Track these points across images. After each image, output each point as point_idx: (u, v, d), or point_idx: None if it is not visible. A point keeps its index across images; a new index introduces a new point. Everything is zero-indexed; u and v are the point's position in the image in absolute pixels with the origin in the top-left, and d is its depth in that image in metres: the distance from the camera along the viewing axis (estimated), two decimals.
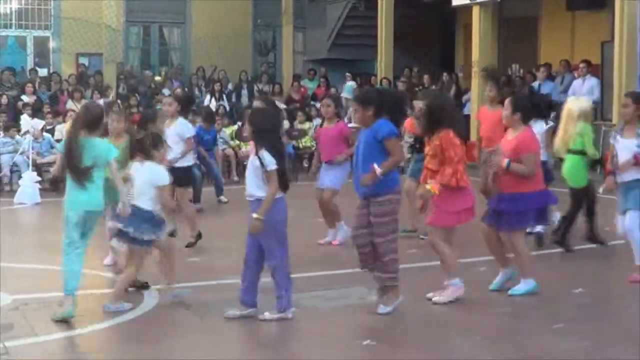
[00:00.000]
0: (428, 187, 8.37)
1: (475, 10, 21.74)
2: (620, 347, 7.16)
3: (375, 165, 7.78)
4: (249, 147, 20.42)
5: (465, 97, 22.63)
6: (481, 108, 13.05)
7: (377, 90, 8.55)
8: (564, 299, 8.73)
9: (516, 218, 8.69)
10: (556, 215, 10.85)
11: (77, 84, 24.06)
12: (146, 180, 8.37)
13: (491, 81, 12.52)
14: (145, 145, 8.50)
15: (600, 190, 9.87)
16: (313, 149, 20.99)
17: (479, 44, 21.72)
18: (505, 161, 8.60)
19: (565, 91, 19.80)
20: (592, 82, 19.09)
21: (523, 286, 8.76)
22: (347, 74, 25.81)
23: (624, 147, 9.04)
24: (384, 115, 7.95)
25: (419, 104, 11.15)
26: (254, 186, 7.71)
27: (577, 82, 19.29)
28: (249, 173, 7.77)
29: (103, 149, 8.10)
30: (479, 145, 12.14)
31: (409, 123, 11.80)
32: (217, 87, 24.61)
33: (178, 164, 11.23)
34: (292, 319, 7.77)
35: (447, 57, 27.19)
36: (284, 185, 7.73)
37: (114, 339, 7.69)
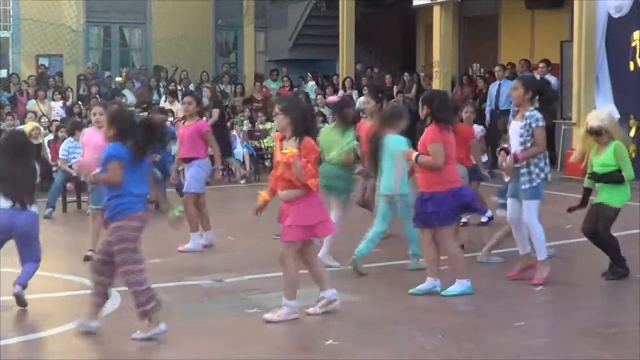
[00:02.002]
0: (285, 150, 7.90)
1: (436, 10, 21.83)
2: (581, 343, 7.23)
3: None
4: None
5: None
6: (360, 122, 12.94)
7: (127, 112, 8.11)
8: (525, 296, 8.78)
9: (439, 217, 8.65)
10: None
11: (37, 85, 23.88)
12: None
13: (369, 94, 12.85)
14: None
15: (506, 180, 9.89)
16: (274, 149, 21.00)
17: (439, 44, 21.81)
18: (414, 154, 8.68)
19: None
20: (551, 80, 19.20)
21: (457, 287, 8.72)
22: (308, 74, 25.81)
23: (514, 131, 9.11)
24: (127, 137, 7.46)
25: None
26: None
27: None
28: None
29: (394, 142, 9.63)
30: (362, 159, 11.93)
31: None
32: (171, 87, 24.37)
33: None
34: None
35: (409, 57, 27.29)
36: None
37: (74, 342, 7.63)
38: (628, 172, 9.25)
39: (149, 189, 7.67)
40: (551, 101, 9.38)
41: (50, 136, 18.18)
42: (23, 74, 25.43)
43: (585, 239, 9.60)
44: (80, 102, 22.87)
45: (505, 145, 9.22)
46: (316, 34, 27.35)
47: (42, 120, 19.90)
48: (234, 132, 20.37)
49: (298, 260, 8.04)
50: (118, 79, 26.30)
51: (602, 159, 9.31)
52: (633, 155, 10.13)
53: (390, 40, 27.50)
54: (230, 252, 11.25)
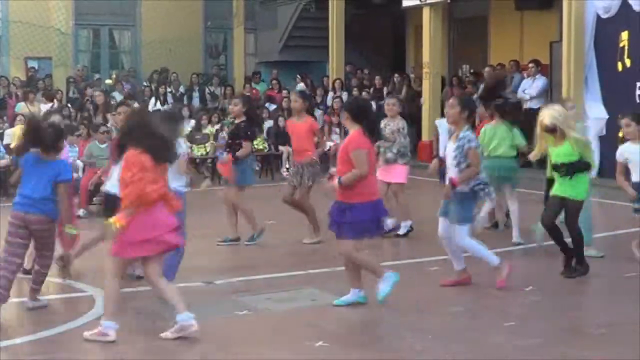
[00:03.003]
0: (110, 220, 7.38)
1: (426, 11, 21.85)
2: (571, 343, 7.24)
3: None
4: (200, 150, 20.49)
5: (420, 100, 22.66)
6: (288, 120, 12.61)
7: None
8: (515, 296, 8.78)
9: (349, 228, 8.20)
10: None
11: (26, 87, 23.80)
12: None
13: (295, 92, 12.27)
14: None
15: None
16: (265, 150, 21.02)
17: (429, 45, 21.82)
18: (336, 180, 8.15)
19: (514, 91, 19.98)
20: (540, 81, 19.22)
21: (383, 286, 8.32)
22: (297, 75, 25.80)
23: (449, 152, 8.90)
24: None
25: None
26: None
27: (526, 82, 19.44)
28: None
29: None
30: (292, 158, 11.89)
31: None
32: (162, 90, 24.35)
33: None
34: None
35: (399, 58, 27.30)
36: None
37: (66, 345, 7.61)
38: (591, 162, 9.43)
39: (43, 193, 8.15)
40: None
41: None
42: (12, 77, 25.35)
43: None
44: (69, 105, 22.82)
45: (441, 156, 9.07)
46: (306, 36, 27.33)
47: None
48: (224, 134, 20.32)
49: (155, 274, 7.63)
50: (108, 81, 26.26)
51: (562, 150, 9.34)
52: None
53: (380, 42, 27.51)
54: (219, 254, 11.24)
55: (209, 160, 20.72)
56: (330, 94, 23.60)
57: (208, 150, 20.59)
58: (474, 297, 8.74)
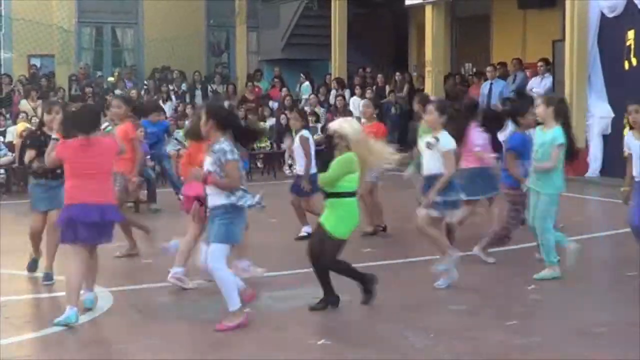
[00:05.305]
0: None
1: (428, 10, 21.85)
2: (572, 342, 7.24)
3: None
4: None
5: None
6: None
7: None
8: (517, 295, 8.79)
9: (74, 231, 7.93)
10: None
11: (28, 85, 23.82)
12: None
13: (118, 98, 11.42)
14: None
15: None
16: (268, 149, 21.03)
17: (431, 43, 21.83)
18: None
19: (518, 89, 19.96)
20: (549, 80, 19.17)
21: (64, 316, 7.71)
22: (301, 74, 25.82)
23: (207, 167, 7.79)
24: None
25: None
26: None
27: (534, 80, 19.38)
28: None
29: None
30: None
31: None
32: (170, 87, 24.46)
33: None
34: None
35: (401, 56, 27.31)
36: None
37: (67, 343, 7.62)
38: (324, 175, 8.19)
39: None
40: (247, 135, 8.14)
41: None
42: (15, 74, 25.38)
43: (575, 237, 9.59)
44: (70, 102, 22.82)
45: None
46: (308, 34, 27.35)
47: (33, 120, 19.85)
48: None
49: None
50: (110, 78, 26.28)
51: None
52: None
53: (382, 40, 27.52)
54: None
55: None
56: (333, 92, 23.62)
57: None
58: (475, 296, 8.74)
